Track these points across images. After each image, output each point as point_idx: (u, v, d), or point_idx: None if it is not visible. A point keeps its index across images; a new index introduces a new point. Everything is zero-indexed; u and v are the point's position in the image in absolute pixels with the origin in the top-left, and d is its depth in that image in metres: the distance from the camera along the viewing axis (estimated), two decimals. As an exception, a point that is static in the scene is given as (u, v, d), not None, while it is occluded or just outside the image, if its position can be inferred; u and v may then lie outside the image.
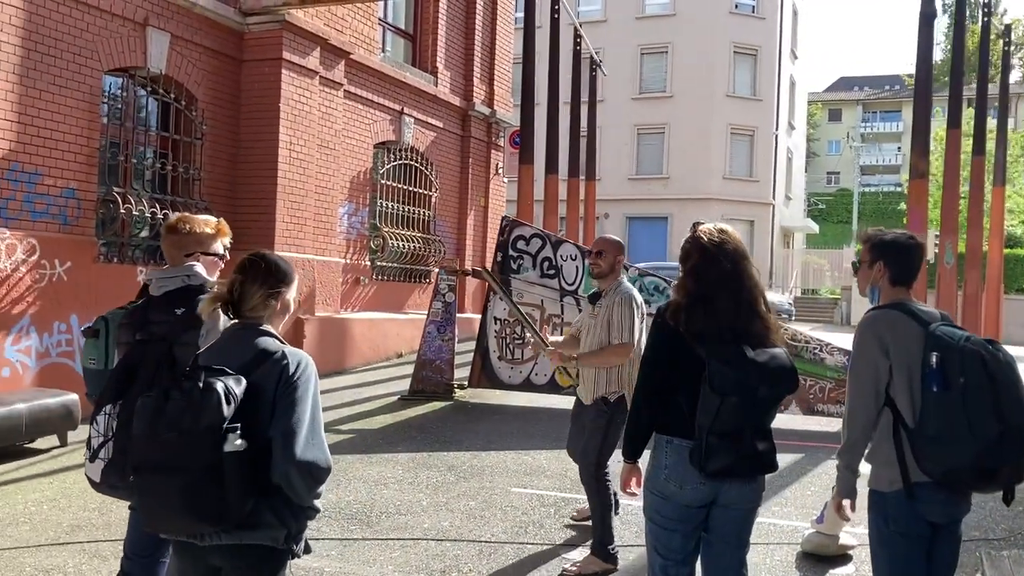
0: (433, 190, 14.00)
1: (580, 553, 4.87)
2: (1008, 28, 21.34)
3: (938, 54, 45.25)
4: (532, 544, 5.08)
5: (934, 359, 2.84)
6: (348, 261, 11.97)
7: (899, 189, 50.58)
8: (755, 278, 3.11)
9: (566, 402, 6.66)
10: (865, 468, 3.05)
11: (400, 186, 13.20)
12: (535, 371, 9.21)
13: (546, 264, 9.14)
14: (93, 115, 8.46)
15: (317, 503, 2.51)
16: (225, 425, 2.32)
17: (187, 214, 3.48)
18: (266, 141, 10.16)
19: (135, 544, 3.29)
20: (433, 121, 13.99)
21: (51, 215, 8.06)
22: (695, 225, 3.20)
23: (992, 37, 19.19)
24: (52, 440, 7.10)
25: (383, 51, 13.17)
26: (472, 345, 9.74)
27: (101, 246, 8.61)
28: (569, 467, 5.88)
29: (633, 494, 3.27)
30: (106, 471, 3.03)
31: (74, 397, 7.09)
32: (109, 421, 3.04)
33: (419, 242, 13.42)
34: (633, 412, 3.19)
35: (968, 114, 18.88)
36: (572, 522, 5.48)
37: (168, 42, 9.21)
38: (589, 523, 5.23)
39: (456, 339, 9.77)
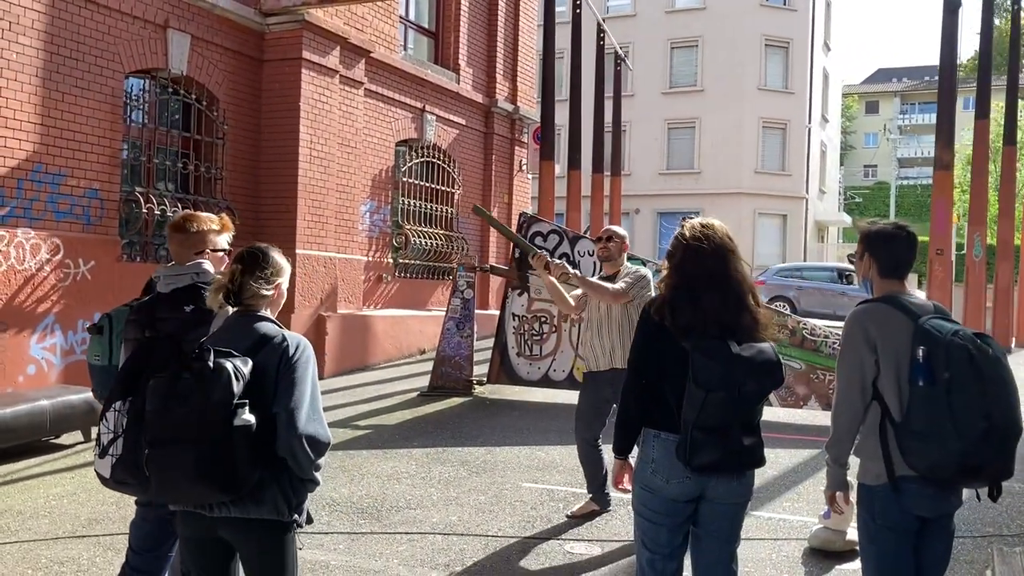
0: (456, 187, 14.02)
1: (586, 548, 4.88)
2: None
3: (977, 44, 44.33)
4: (538, 538, 5.09)
5: (920, 353, 2.79)
6: (370, 259, 12.04)
7: (938, 182, 49.52)
8: (743, 272, 3.09)
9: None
10: (856, 461, 3.03)
11: (422, 184, 13.25)
12: (553, 367, 9.20)
13: (564, 260, 9.11)
14: (115, 116, 8.60)
15: (317, 475, 2.69)
16: (235, 401, 2.51)
17: (192, 212, 3.53)
18: (287, 140, 10.25)
19: (140, 539, 3.35)
20: (455, 118, 14.01)
21: (75, 215, 8.22)
22: (682, 222, 3.21)
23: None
24: (76, 436, 7.25)
25: (405, 49, 13.21)
26: (491, 342, 9.76)
27: (124, 245, 8.77)
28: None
29: (626, 490, 3.27)
30: (115, 467, 3.07)
31: (97, 393, 7.23)
32: (119, 418, 3.09)
33: (442, 239, 13.46)
34: (623, 407, 3.19)
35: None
36: (572, 516, 5.48)
37: (189, 43, 9.33)
38: (587, 519, 5.34)
39: (475, 335, 9.79)
